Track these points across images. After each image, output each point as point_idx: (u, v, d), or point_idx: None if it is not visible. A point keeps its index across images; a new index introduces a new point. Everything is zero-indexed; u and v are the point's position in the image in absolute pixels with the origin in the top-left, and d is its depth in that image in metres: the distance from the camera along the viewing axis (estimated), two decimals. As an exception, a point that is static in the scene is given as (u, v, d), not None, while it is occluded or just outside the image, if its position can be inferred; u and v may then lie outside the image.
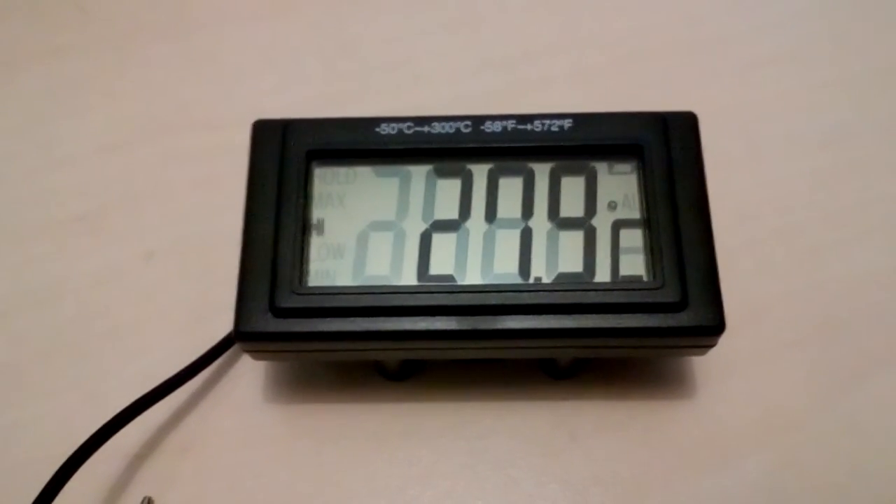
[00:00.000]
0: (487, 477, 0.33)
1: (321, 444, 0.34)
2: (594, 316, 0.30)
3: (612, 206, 0.32)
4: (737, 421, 0.34)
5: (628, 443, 0.34)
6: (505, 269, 0.31)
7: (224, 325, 0.34)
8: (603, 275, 0.31)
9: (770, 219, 0.38)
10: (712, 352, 0.32)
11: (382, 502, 0.33)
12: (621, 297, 0.30)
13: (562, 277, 0.31)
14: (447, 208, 0.32)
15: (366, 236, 0.32)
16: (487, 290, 0.30)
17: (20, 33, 0.44)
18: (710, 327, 0.30)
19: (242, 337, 0.30)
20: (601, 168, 0.32)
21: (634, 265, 0.31)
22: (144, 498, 0.33)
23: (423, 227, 0.32)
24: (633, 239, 0.31)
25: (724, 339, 0.31)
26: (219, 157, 0.40)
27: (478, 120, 0.33)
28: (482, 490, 0.33)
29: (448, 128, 0.33)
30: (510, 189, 0.32)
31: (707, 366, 0.35)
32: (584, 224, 0.31)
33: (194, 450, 0.34)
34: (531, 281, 0.31)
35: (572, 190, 0.32)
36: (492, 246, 0.31)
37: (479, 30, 0.44)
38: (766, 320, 0.36)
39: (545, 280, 0.31)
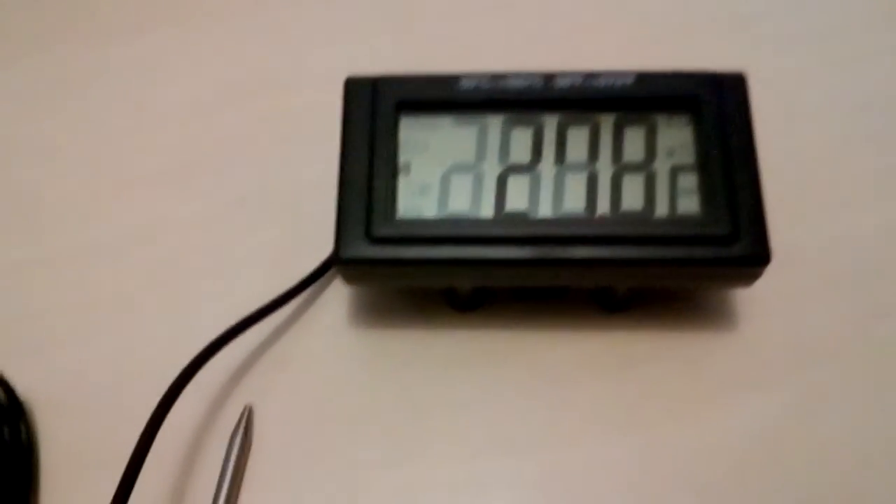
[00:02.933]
0: (545, 397, 0.37)
1: (397, 366, 0.38)
2: (653, 247, 0.34)
3: (670, 153, 0.35)
4: (774, 352, 0.38)
5: (675, 370, 0.37)
6: (573, 205, 0.35)
7: (308, 262, 0.39)
8: (661, 212, 0.34)
9: (809, 173, 0.42)
10: (753, 289, 0.36)
11: (450, 417, 0.37)
12: (678, 230, 0.34)
13: (624, 213, 0.34)
14: (521, 153, 0.36)
15: (448, 177, 0.35)
16: (557, 222, 0.34)
17: (111, 11, 0.49)
18: (758, 258, 0.33)
19: (342, 262, 0.34)
20: (660, 119, 0.36)
21: (690, 204, 0.34)
22: (245, 406, 0.37)
23: (499, 169, 0.35)
24: (689, 181, 0.35)
25: (764, 280, 0.35)
26: (297, 116, 0.44)
27: (549, 76, 0.36)
28: (540, 408, 0.37)
29: (522, 82, 0.36)
30: (577, 137, 0.36)
31: (749, 302, 0.38)
32: (644, 168, 0.35)
33: (288, 366, 0.38)
34: (596, 216, 0.34)
35: (634, 139, 0.35)
36: (561, 186, 0.35)
37: (532, 5, 0.48)
38: (804, 263, 0.39)
39: (609, 216, 0.34)
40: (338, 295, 0.40)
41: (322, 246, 0.40)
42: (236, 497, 0.36)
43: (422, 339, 0.38)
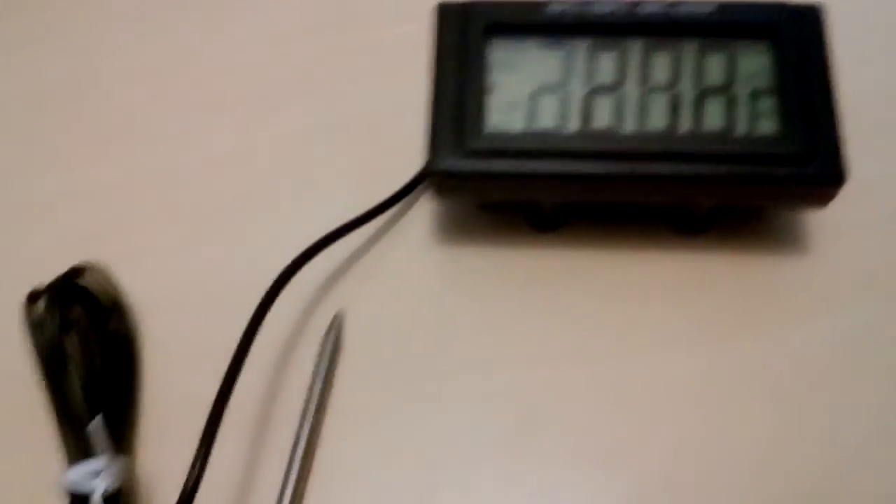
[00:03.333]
0: (621, 314, 0.39)
1: (478, 282, 0.40)
2: (731, 165, 0.35)
3: (750, 77, 0.37)
4: (846, 277, 0.39)
5: (748, 291, 0.39)
6: (656, 124, 0.36)
7: (393, 183, 0.41)
8: (740, 131, 0.36)
9: (887, 104, 0.43)
10: (827, 215, 0.37)
11: (529, 330, 0.39)
12: (756, 148, 0.35)
13: (704, 132, 0.36)
14: (605, 75, 0.37)
15: (535, 96, 0.37)
16: (640, 139, 0.36)
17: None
18: (832, 177, 0.35)
19: (435, 173, 0.36)
20: (740, 46, 0.37)
21: (768, 125, 0.36)
22: (336, 313, 0.39)
23: (584, 90, 0.37)
24: (767, 104, 0.36)
25: (838, 207, 0.36)
26: (387, 45, 0.47)
27: (633, 2, 0.38)
28: (616, 323, 0.39)
29: (607, 8, 0.38)
30: (660, 61, 0.37)
31: (823, 227, 0.40)
32: (724, 91, 0.36)
33: (376, 278, 0.40)
34: (678, 134, 0.36)
35: (714, 64, 0.37)
36: (645, 106, 0.36)
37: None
38: (878, 192, 0.41)
39: (690, 134, 0.36)
40: (423, 213, 0.42)
41: (408, 168, 0.41)
42: (328, 396, 0.38)
43: (503, 257, 0.40)
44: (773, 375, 0.37)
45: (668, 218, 0.40)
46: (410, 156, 0.41)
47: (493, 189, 0.37)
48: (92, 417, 0.35)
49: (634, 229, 0.40)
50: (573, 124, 0.36)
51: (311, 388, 0.37)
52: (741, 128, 0.36)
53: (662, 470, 0.35)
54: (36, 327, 0.37)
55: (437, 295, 0.40)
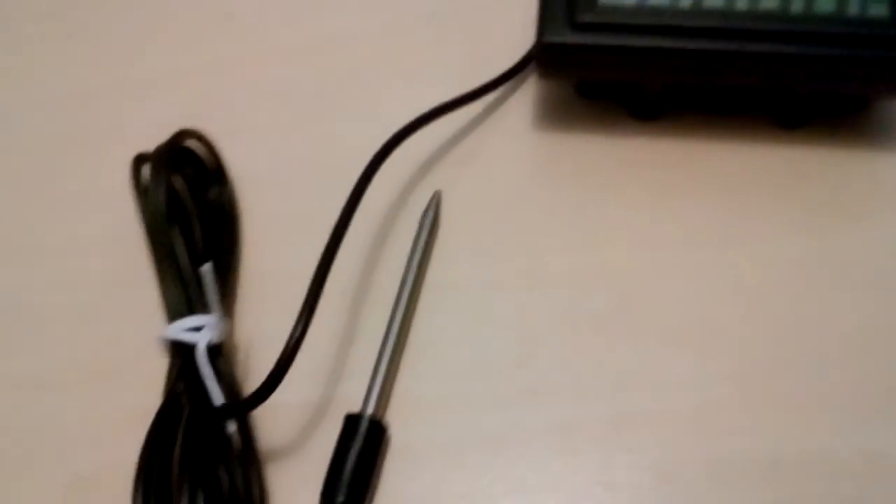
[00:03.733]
0: (719, 202, 0.39)
1: (576, 168, 0.40)
2: (843, 47, 0.35)
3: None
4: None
5: (848, 183, 0.39)
6: (769, 3, 0.36)
7: (494, 69, 0.41)
8: (852, 12, 0.35)
9: None
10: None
11: (625, 214, 0.39)
12: (868, 30, 0.35)
13: (817, 13, 0.35)
14: (718, -44, 0.37)
15: (649, -29, 0.37)
16: (752, 17, 0.35)
17: None
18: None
19: (545, 47, 0.36)
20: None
21: (881, 8, 0.35)
22: (435, 192, 0.39)
23: (697, -32, 0.37)
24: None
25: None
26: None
27: None
28: (715, 210, 0.39)
29: None
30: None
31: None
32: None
33: (474, 160, 0.41)
34: (790, 14, 0.35)
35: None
36: (758, -13, 0.36)
37: None
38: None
39: (802, 14, 0.35)
40: (524, 100, 0.42)
41: (512, 56, 0.42)
42: (424, 271, 0.38)
43: (601, 144, 0.40)
44: (871, 266, 0.37)
45: (767, 110, 0.40)
46: (516, 43, 0.41)
47: (603, 65, 0.37)
48: (196, 277, 0.36)
49: (733, 121, 0.40)
50: (686, 0, 0.36)
51: (408, 263, 0.38)
52: (853, 9, 0.35)
53: (756, 350, 0.35)
54: (143, 190, 0.37)
55: (533, 179, 0.40)
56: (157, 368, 0.35)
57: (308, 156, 0.41)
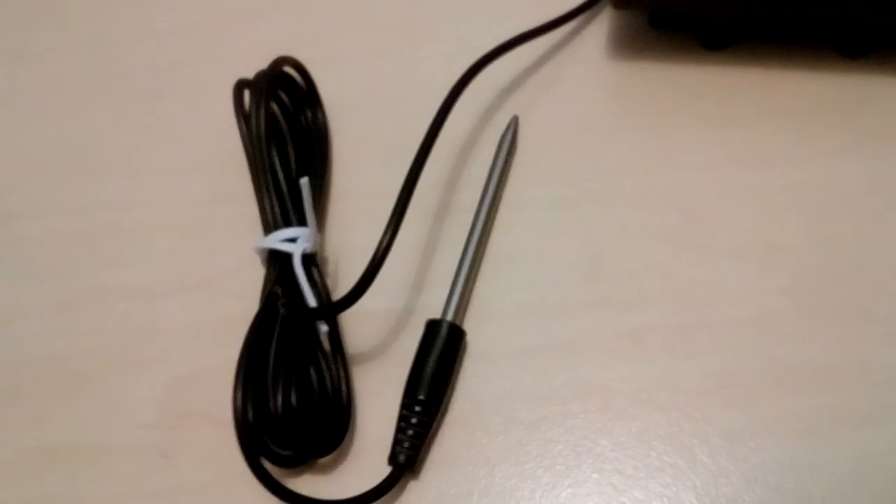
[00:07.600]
0: (783, 127, 0.40)
1: (648, 95, 0.42)
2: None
3: None
4: None
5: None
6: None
7: (567, 2, 0.43)
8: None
9: None
10: None
11: (695, 137, 0.41)
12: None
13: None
14: None
15: None
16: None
17: None
18: None
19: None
20: None
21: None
22: (513, 117, 0.42)
23: None
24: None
25: None
26: None
27: None
28: (779, 134, 0.40)
29: None
30: None
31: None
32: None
33: (551, 88, 0.43)
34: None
35: None
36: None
37: None
38: None
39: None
40: (598, 32, 0.44)
41: None
42: (502, 190, 0.40)
43: (673, 73, 0.42)
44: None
45: (832, 39, 0.41)
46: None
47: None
48: (291, 194, 0.39)
49: (800, 50, 0.41)
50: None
51: (487, 182, 0.40)
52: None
53: (817, 268, 0.37)
54: (243, 114, 0.40)
55: (606, 105, 0.42)
56: (253, 279, 0.38)
57: (394, 82, 0.44)
